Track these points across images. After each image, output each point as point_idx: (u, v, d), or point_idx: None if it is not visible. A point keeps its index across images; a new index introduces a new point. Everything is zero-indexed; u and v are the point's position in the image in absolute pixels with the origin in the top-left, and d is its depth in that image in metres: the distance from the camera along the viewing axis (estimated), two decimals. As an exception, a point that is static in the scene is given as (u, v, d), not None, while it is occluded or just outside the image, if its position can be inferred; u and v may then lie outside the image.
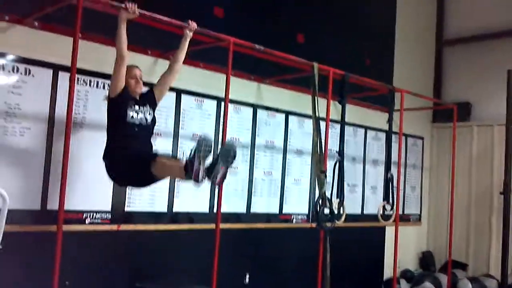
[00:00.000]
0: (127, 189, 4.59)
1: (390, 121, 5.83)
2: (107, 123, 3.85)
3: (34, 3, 3.97)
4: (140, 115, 3.81)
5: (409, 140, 7.79)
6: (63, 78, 4.11)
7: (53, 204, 3.98)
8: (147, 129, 3.89)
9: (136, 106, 3.81)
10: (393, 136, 5.93)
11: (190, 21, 3.99)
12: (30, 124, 4.02)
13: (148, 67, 4.70)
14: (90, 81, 4.37)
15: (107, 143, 3.82)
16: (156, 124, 4.02)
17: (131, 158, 3.67)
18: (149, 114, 3.90)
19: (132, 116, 3.76)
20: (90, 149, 4.32)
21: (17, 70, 3.98)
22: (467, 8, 8.37)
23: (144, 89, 3.99)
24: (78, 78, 4.16)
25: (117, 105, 3.75)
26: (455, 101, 7.82)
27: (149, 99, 3.97)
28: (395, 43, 7.67)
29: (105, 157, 3.79)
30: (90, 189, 4.33)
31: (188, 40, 4.03)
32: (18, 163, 3.96)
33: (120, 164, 3.72)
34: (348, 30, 6.84)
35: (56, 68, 4.15)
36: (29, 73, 4.03)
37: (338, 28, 6.67)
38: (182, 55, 4.05)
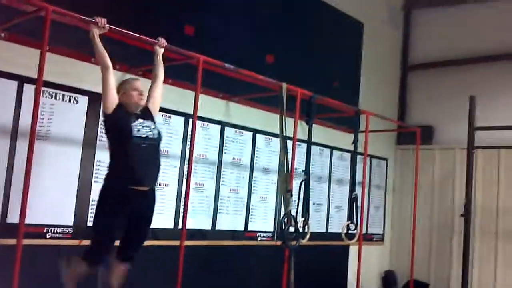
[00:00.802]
0: (90, 203, 4.53)
1: (355, 142, 5.92)
2: (110, 142, 3.68)
3: (2, 14, 3.92)
4: (146, 129, 3.64)
5: (373, 161, 7.94)
6: (28, 90, 4.07)
7: (13, 218, 3.90)
8: (154, 144, 3.69)
9: (139, 119, 3.64)
10: (358, 157, 6.02)
11: (160, 38, 4.01)
12: (-7, 135, 3.95)
13: (116, 81, 4.67)
14: (56, 94, 4.33)
15: (111, 163, 3.65)
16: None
17: (106, 218, 3.57)
18: (154, 127, 3.72)
19: (138, 130, 3.58)
20: (53, 162, 4.27)
21: (-19, 81, 3.92)
22: (431, 35, 8.63)
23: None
24: (44, 91, 4.12)
25: (118, 121, 3.58)
26: (418, 124, 8.01)
27: (148, 115, 3.80)
28: (361, 66, 7.84)
29: (106, 177, 3.64)
30: (52, 203, 4.26)
31: (160, 56, 4.01)
32: (-21, 175, 3.88)
33: (103, 201, 3.59)
34: (317, 52, 6.97)
35: (22, 80, 4.10)
36: (-6, 84, 3.97)
37: (307, 50, 6.79)
38: (160, 69, 3.99)
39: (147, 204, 3.75)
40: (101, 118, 3.66)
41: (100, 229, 3.62)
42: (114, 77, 3.63)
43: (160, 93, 4.01)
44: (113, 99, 3.59)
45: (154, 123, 3.81)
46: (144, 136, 3.61)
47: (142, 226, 3.78)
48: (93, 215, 3.73)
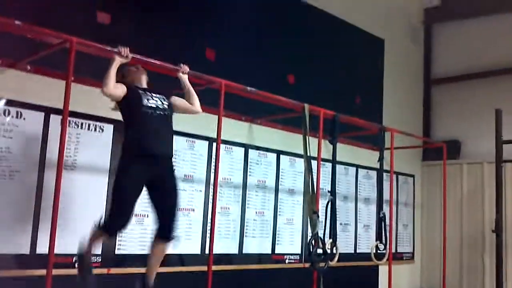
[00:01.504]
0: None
1: (381, 159, 5.85)
2: (123, 117, 3.76)
3: (27, 47, 3.99)
4: (154, 100, 3.72)
5: (400, 178, 7.83)
6: (55, 120, 4.12)
7: (42, 248, 3.92)
8: (165, 114, 3.76)
9: (148, 94, 3.73)
10: (384, 174, 5.94)
11: (182, 65, 4.04)
12: (20, 167, 4.00)
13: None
14: (82, 124, 4.38)
15: (124, 137, 3.74)
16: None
17: (123, 191, 3.58)
18: (164, 100, 3.80)
19: (148, 100, 3.68)
20: (80, 191, 4.30)
21: (9, 113, 3.98)
22: (453, 48, 8.55)
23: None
24: (69, 121, 4.17)
25: (129, 97, 3.65)
26: (444, 139, 7.90)
27: (163, 94, 3.86)
28: (383, 82, 7.79)
29: (121, 150, 3.73)
30: (80, 231, 4.25)
31: (187, 81, 4.06)
32: (8, 207, 3.92)
33: (119, 173, 3.64)
34: (338, 70, 6.95)
35: (48, 111, 4.16)
36: (21, 116, 4.04)
37: (328, 69, 6.78)
38: (193, 98, 4.05)
39: (165, 170, 3.78)
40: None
41: (119, 194, 3.58)
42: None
43: (186, 112, 4.08)
44: (119, 91, 3.63)
45: (165, 99, 3.85)
46: (154, 106, 3.69)
47: (168, 194, 3.76)
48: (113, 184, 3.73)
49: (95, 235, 3.65)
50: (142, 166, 3.58)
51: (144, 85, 3.85)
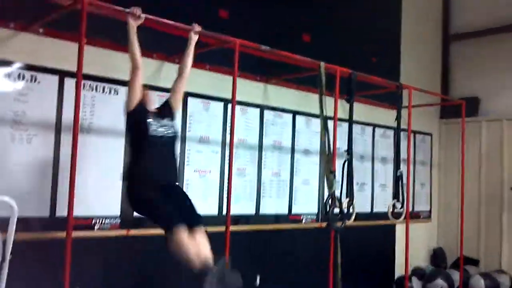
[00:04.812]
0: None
1: (398, 118, 5.77)
2: (129, 138, 3.77)
3: (39, 10, 3.95)
4: (162, 129, 3.69)
5: (417, 137, 7.75)
6: (69, 84, 4.11)
7: (62, 211, 3.97)
8: (171, 142, 3.77)
9: (156, 119, 3.69)
10: (402, 133, 5.88)
11: (195, 24, 3.97)
12: (37, 131, 4.01)
13: (154, 70, 4.68)
14: (97, 86, 4.36)
15: (130, 162, 3.74)
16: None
17: (154, 206, 3.56)
18: (170, 126, 3.78)
19: (155, 130, 3.64)
20: (98, 154, 4.31)
21: (23, 77, 3.97)
22: (473, 2, 8.30)
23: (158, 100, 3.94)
24: (84, 84, 4.14)
25: (137, 119, 3.64)
26: (463, 96, 7.76)
27: (167, 111, 3.85)
28: (401, 39, 7.61)
29: (127, 179, 3.72)
30: (99, 194, 4.32)
31: (194, 43, 3.99)
32: (26, 170, 3.96)
33: (141, 203, 3.63)
34: (354, 28, 6.80)
35: (62, 74, 4.14)
36: (35, 80, 4.02)
37: (343, 26, 6.64)
38: (189, 59, 3.97)
39: (174, 187, 3.82)
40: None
41: (154, 211, 3.58)
42: (141, 78, 3.63)
43: (184, 86, 4.00)
44: (135, 98, 3.62)
45: (172, 119, 3.86)
46: (159, 135, 3.66)
47: (183, 197, 3.77)
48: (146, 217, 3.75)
49: (177, 242, 3.47)
50: (155, 191, 3.58)
51: (153, 109, 3.78)
